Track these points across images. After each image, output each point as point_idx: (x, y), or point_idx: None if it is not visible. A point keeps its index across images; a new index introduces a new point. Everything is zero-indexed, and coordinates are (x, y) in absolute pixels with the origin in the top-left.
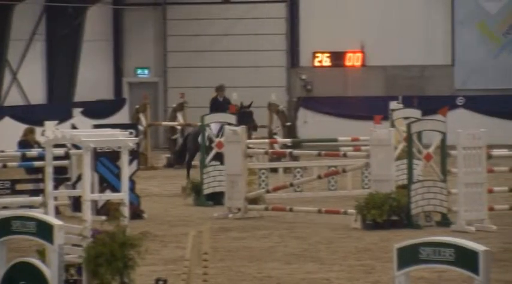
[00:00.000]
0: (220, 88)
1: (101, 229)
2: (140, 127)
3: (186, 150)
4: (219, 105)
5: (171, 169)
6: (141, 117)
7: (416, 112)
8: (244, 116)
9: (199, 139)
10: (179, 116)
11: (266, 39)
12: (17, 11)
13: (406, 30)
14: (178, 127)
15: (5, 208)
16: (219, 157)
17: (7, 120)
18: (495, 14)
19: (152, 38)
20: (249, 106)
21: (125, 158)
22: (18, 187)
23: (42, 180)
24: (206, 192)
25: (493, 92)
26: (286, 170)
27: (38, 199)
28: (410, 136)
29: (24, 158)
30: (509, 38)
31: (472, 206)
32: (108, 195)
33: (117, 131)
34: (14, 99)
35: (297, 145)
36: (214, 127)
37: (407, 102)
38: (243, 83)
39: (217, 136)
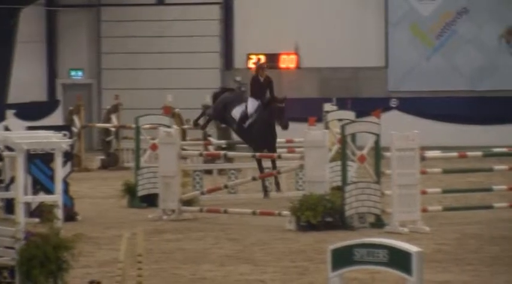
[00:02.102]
0: (261, 67)
1: (34, 231)
2: (74, 129)
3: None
4: (259, 86)
5: (105, 171)
6: (75, 118)
7: (350, 114)
8: (275, 112)
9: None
10: (113, 118)
11: (200, 41)
12: None
13: (340, 32)
14: (113, 129)
15: None
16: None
17: None
18: (428, 16)
19: (86, 40)
20: (283, 101)
21: (58, 160)
22: None
23: None
24: (140, 193)
25: (426, 94)
26: (221, 172)
27: None
28: (344, 138)
29: None
30: (441, 40)
31: (405, 207)
32: (42, 197)
33: (50, 133)
34: None
35: (231, 146)
36: (251, 105)
37: (341, 104)
38: (177, 85)
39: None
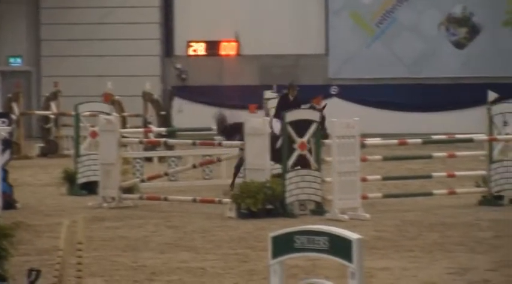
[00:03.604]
0: (292, 87)
1: None
2: (13, 116)
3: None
4: (288, 105)
5: (44, 158)
6: (14, 106)
7: None
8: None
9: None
10: (52, 105)
11: (140, 28)
12: None
13: (280, 20)
14: (52, 116)
15: None
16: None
17: None
18: (368, 4)
19: (26, 27)
20: (323, 109)
21: None
22: None
23: None
24: (80, 181)
25: (366, 82)
26: (161, 159)
27: None
28: (285, 125)
29: None
30: (381, 27)
31: (345, 194)
32: None
33: None
34: None
35: (171, 134)
36: (275, 126)
37: (282, 91)
38: (117, 72)
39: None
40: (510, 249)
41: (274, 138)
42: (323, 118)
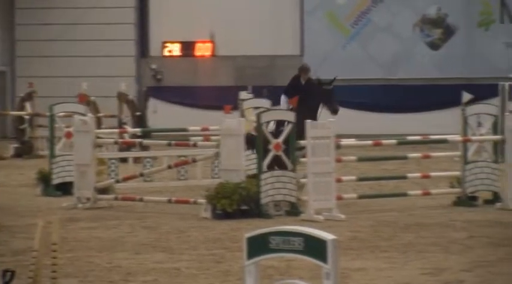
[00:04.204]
0: (303, 69)
1: None
2: None
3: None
4: (299, 88)
5: (19, 159)
6: None
7: (265, 102)
8: (324, 95)
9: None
10: (27, 106)
11: (116, 29)
12: None
13: (255, 21)
14: (27, 117)
15: None
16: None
17: None
18: (343, 4)
19: (0, 27)
20: (331, 82)
21: None
22: None
23: None
24: (55, 182)
25: (341, 82)
26: (136, 160)
27: None
28: (260, 126)
29: None
30: (357, 28)
31: (320, 195)
32: None
33: None
34: None
35: (147, 135)
36: (283, 104)
37: (257, 92)
38: (92, 73)
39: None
40: (484, 249)
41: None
42: (332, 93)
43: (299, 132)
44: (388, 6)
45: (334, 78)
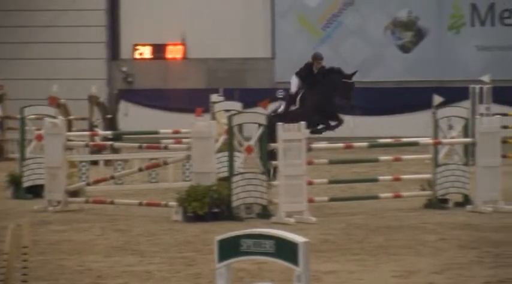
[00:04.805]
0: (315, 57)
1: None
2: None
3: None
4: (311, 76)
5: None
6: None
7: (237, 105)
8: (344, 89)
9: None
10: None
11: (86, 31)
12: None
13: (227, 23)
14: None
15: None
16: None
17: None
18: (314, 7)
19: None
20: (352, 76)
21: None
22: None
23: None
24: (26, 184)
25: None
26: (107, 163)
27: None
28: (231, 128)
29: None
30: (328, 31)
31: (292, 198)
32: None
33: None
34: None
35: (118, 137)
36: (293, 84)
37: (228, 95)
38: (63, 75)
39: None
40: (455, 252)
41: (290, 98)
42: (352, 87)
43: (303, 117)
44: (359, 9)
45: (355, 72)
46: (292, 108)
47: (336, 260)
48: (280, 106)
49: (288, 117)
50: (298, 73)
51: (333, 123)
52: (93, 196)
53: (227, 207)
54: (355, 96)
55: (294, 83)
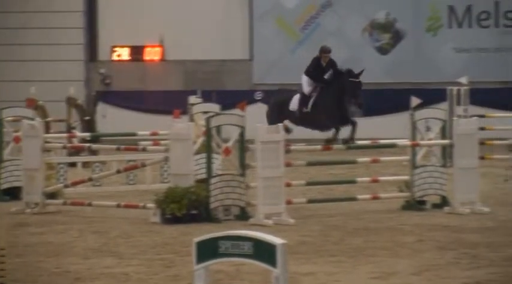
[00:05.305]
0: (323, 50)
1: None
2: None
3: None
4: (320, 70)
5: None
6: None
7: (215, 107)
8: (352, 88)
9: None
10: None
11: (64, 33)
12: None
13: (205, 25)
14: None
15: None
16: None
17: None
18: (292, 9)
19: None
20: (359, 75)
21: None
22: None
23: None
24: (3, 187)
25: (290, 87)
26: (85, 164)
27: None
28: (209, 130)
29: None
30: (306, 33)
31: (270, 200)
32: None
33: None
34: None
35: (96, 139)
36: (305, 86)
37: (206, 97)
38: (41, 77)
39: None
40: (433, 253)
41: (304, 99)
42: (359, 86)
43: (315, 124)
44: (337, 11)
45: (362, 71)
46: (304, 109)
47: (314, 262)
48: (295, 101)
49: (299, 118)
50: (306, 72)
51: (347, 127)
52: (71, 198)
53: (205, 209)
54: (362, 95)
55: (305, 83)
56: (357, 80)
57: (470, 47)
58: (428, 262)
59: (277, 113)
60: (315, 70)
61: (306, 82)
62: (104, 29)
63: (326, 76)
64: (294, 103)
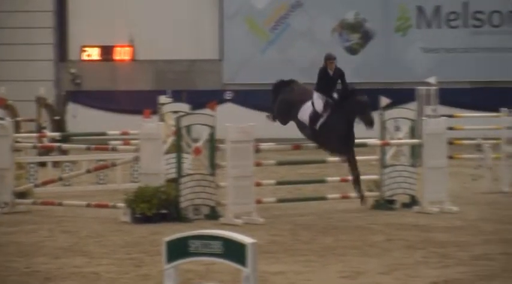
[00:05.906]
0: (328, 58)
1: None
2: None
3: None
4: (328, 80)
5: None
6: None
7: (185, 107)
8: (357, 107)
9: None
10: None
11: (34, 33)
12: None
13: (175, 25)
14: None
15: None
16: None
17: None
18: (262, 9)
19: None
20: (363, 94)
21: None
22: None
23: None
24: None
25: (260, 87)
26: (55, 164)
27: None
28: (180, 130)
29: None
30: (276, 33)
31: (240, 199)
32: None
33: None
34: None
35: (66, 139)
36: (317, 103)
37: (177, 96)
38: (11, 77)
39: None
40: (402, 252)
41: (314, 116)
42: (367, 103)
43: (325, 146)
44: (307, 11)
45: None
46: (314, 127)
47: (283, 261)
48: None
49: (311, 135)
50: (316, 87)
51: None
52: (41, 198)
53: (175, 208)
54: (370, 110)
55: (318, 101)
56: (364, 98)
57: (439, 47)
58: (397, 261)
59: (286, 113)
60: (323, 81)
61: (318, 101)
62: (74, 28)
63: (335, 93)
64: (303, 114)
